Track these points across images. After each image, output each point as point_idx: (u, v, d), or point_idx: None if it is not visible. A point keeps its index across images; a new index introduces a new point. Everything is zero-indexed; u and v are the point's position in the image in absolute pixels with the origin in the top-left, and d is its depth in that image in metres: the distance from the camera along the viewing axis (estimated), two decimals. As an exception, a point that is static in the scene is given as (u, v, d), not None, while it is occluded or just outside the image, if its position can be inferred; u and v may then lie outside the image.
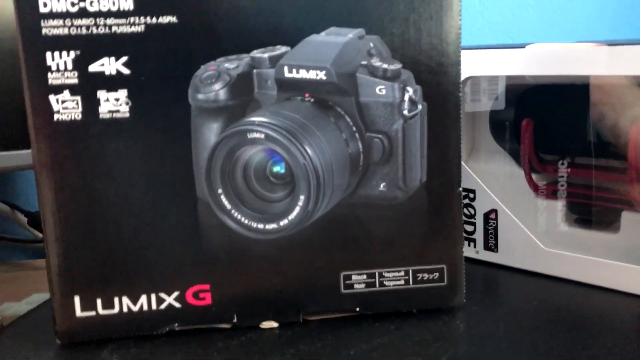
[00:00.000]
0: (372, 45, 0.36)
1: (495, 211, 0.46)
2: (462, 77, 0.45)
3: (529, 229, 0.45)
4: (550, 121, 0.47)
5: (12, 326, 0.41)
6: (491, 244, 0.47)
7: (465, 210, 0.48)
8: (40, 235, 0.68)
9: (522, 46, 0.44)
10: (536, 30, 0.77)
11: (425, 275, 0.38)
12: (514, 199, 0.47)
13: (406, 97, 0.36)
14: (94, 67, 0.34)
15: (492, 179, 0.48)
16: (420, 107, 0.37)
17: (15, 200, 0.70)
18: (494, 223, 0.47)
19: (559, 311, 0.39)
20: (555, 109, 0.47)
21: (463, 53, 0.37)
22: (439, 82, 0.36)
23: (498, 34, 0.76)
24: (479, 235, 0.47)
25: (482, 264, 0.47)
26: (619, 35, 0.75)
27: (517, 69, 0.44)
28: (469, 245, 0.48)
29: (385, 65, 0.36)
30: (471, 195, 0.47)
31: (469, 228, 0.48)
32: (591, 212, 0.46)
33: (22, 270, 0.66)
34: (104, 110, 0.34)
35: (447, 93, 0.37)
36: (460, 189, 0.38)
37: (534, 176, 0.47)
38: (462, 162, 0.47)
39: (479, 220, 0.47)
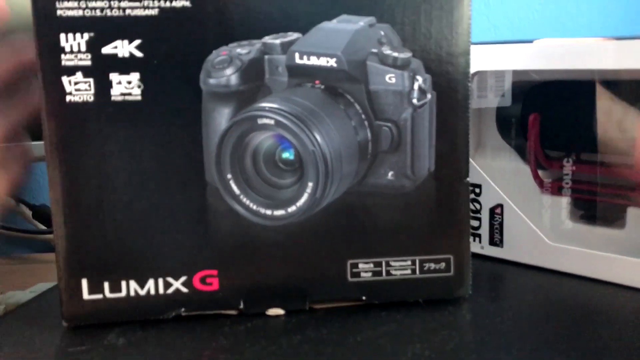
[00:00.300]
0: (382, 33, 0.36)
1: (501, 206, 0.47)
2: (471, 71, 0.46)
3: (534, 224, 0.45)
4: (556, 117, 0.47)
5: (17, 311, 0.41)
6: (496, 239, 0.47)
7: (470, 206, 0.48)
8: (44, 228, 0.68)
9: (530, 41, 0.44)
10: (542, 34, 0.77)
11: (432, 265, 0.38)
12: (520, 194, 0.47)
13: (416, 86, 0.37)
14: (107, 50, 0.34)
15: (498, 174, 0.48)
16: (429, 96, 0.37)
17: (19, 193, 0.70)
18: (499, 218, 0.47)
19: (564, 304, 0.39)
20: (562, 105, 0.47)
21: (471, 48, 0.38)
22: (448, 72, 0.37)
23: (503, 35, 0.77)
24: (484, 231, 0.48)
25: (487, 259, 0.47)
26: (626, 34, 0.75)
27: (524, 64, 0.44)
28: (474, 240, 0.48)
29: (395, 54, 0.36)
30: (477, 190, 0.48)
31: (475, 223, 0.48)
32: (596, 208, 0.46)
33: (26, 264, 0.66)
34: (116, 92, 0.35)
35: (457, 82, 0.37)
36: (468, 179, 0.38)
37: (540, 172, 0.47)
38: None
39: (485, 216, 0.47)
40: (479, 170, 0.47)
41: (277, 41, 0.36)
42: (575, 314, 0.38)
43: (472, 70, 0.45)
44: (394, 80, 0.36)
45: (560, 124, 0.47)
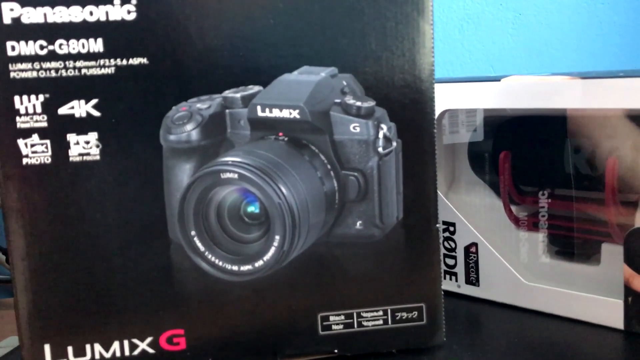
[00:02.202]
0: (345, 83, 0.36)
1: (475, 245, 0.46)
2: (440, 110, 0.45)
3: (510, 262, 0.45)
4: (528, 153, 0.47)
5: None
6: (472, 277, 0.46)
7: (445, 244, 0.47)
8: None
9: (498, 79, 0.44)
10: (516, 58, 0.78)
11: (404, 315, 0.37)
12: (495, 231, 0.47)
13: (381, 135, 0.36)
14: (63, 110, 0.34)
15: (472, 211, 0.48)
16: (395, 144, 0.36)
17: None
18: (474, 257, 0.46)
19: (541, 348, 0.39)
20: (533, 140, 0.47)
21: (440, 86, 0.37)
22: (413, 119, 0.36)
23: (478, 62, 0.77)
24: (460, 269, 0.47)
25: (463, 298, 0.47)
26: (595, 63, 0.76)
27: (493, 102, 0.44)
28: (450, 279, 0.48)
29: (359, 103, 0.36)
30: (451, 229, 0.47)
31: (450, 262, 0.47)
32: (572, 244, 0.45)
33: (1, 309, 0.65)
34: (74, 153, 0.34)
35: (422, 129, 0.36)
36: (438, 225, 0.37)
37: (514, 208, 0.47)
38: (442, 195, 0.47)
39: (460, 254, 0.47)
40: (452, 208, 0.47)
41: (238, 95, 0.35)
42: (551, 358, 0.37)
43: (443, 108, 0.46)
44: (358, 129, 0.36)
45: (532, 159, 0.47)
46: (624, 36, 0.76)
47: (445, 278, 0.48)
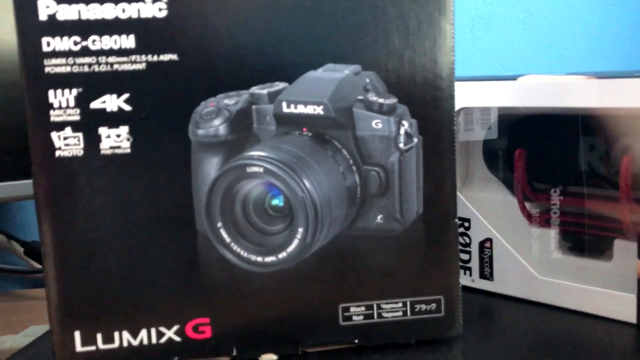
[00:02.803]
0: (368, 80, 0.37)
1: (490, 240, 0.47)
2: (456, 108, 0.46)
3: (523, 257, 0.46)
4: (542, 150, 0.48)
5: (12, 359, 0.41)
6: (487, 272, 0.47)
7: (460, 239, 0.48)
8: (36, 265, 0.68)
9: (514, 78, 0.45)
10: (526, 58, 0.78)
11: (423, 307, 0.38)
12: (508, 227, 0.48)
13: (402, 131, 0.37)
14: (95, 104, 0.35)
15: (487, 207, 0.48)
16: (415, 140, 0.37)
17: (11, 230, 0.70)
18: (489, 252, 0.47)
19: (555, 340, 0.40)
20: (547, 138, 0.48)
21: (456, 84, 0.38)
22: (433, 116, 0.37)
23: (489, 61, 0.78)
24: (474, 264, 0.48)
25: (478, 292, 0.48)
26: (606, 62, 0.77)
27: (508, 101, 0.45)
28: (464, 273, 0.48)
29: (381, 100, 0.37)
30: (466, 224, 0.48)
31: (465, 257, 0.48)
32: (584, 240, 0.46)
33: (18, 301, 0.66)
34: (105, 146, 0.35)
35: (442, 126, 0.37)
36: (456, 220, 0.38)
37: (527, 205, 0.48)
38: (457, 191, 0.48)
39: (475, 249, 0.48)
40: (467, 204, 0.48)
41: (264, 91, 0.36)
42: (565, 350, 0.38)
43: (459, 106, 0.46)
44: (380, 125, 0.37)
45: (546, 157, 0.48)
46: (634, 37, 0.77)
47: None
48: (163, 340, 0.37)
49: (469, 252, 0.48)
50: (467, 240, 0.48)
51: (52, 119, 0.34)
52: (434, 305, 0.38)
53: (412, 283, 0.38)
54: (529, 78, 0.44)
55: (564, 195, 0.47)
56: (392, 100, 0.37)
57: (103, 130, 0.35)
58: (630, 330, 0.40)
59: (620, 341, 0.40)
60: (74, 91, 0.34)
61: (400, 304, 0.38)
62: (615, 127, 0.44)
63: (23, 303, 0.65)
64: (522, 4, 0.78)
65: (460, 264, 0.49)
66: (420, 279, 0.38)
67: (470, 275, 0.48)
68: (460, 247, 0.48)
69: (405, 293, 0.38)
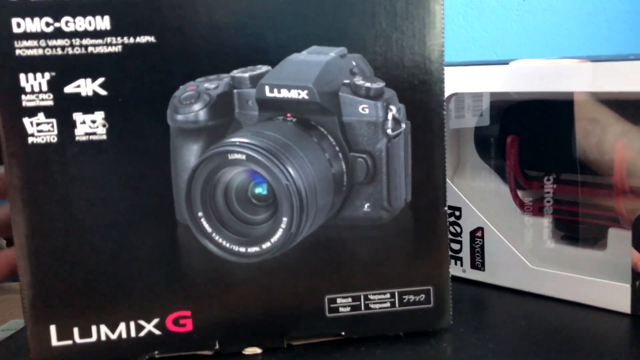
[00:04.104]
0: (354, 63, 0.35)
1: (481, 229, 0.46)
2: (446, 94, 0.45)
3: (515, 246, 0.45)
4: (535, 137, 0.46)
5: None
6: (478, 262, 0.46)
7: (451, 229, 0.47)
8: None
9: (506, 62, 0.43)
10: (519, 44, 0.77)
11: (412, 297, 0.37)
12: (500, 216, 0.46)
13: (390, 116, 0.36)
14: (69, 89, 0.33)
15: (478, 196, 0.47)
16: (404, 125, 0.36)
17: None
18: (480, 241, 0.46)
19: (547, 332, 0.39)
20: (540, 125, 0.46)
21: (446, 70, 0.37)
22: (422, 100, 0.36)
23: (482, 48, 0.77)
24: (465, 254, 0.47)
25: (469, 283, 0.47)
26: (598, 48, 0.76)
27: (500, 86, 0.43)
28: (455, 264, 0.47)
29: (368, 84, 0.35)
30: (457, 213, 0.47)
31: (456, 246, 0.47)
32: (578, 229, 0.45)
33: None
34: (80, 132, 0.34)
35: (431, 111, 0.36)
36: (446, 208, 0.37)
37: (520, 193, 0.47)
38: (448, 180, 0.46)
39: (465, 239, 0.47)
40: (458, 193, 0.47)
41: (246, 75, 0.35)
42: (557, 341, 0.37)
43: (449, 92, 0.45)
44: (367, 110, 0.36)
45: (539, 144, 0.47)
46: (628, 22, 0.75)
47: (450, 263, 0.47)
48: (142, 334, 0.35)
49: (459, 242, 0.47)
50: (458, 229, 0.47)
51: (24, 104, 0.33)
52: (423, 296, 0.37)
53: (400, 273, 0.37)
54: (522, 62, 0.43)
55: (558, 183, 0.46)
56: (380, 84, 0.35)
57: (78, 116, 0.33)
58: (625, 320, 0.39)
59: (614, 332, 0.39)
60: (47, 75, 0.33)
61: (388, 295, 0.37)
62: (608, 112, 0.42)
63: (3, 297, 0.63)
64: (515, -10, 0.77)
65: (451, 253, 0.48)
66: (409, 269, 0.37)
67: (462, 265, 0.47)
68: (451, 236, 0.47)
69: (393, 283, 0.37)
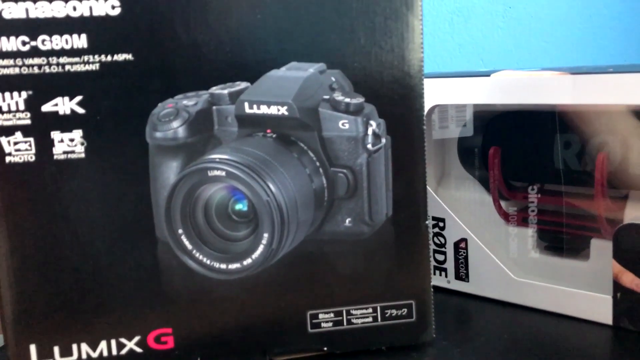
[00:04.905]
0: (333, 79, 0.35)
1: (465, 240, 0.46)
2: (429, 106, 0.45)
3: (499, 257, 0.45)
4: (518, 148, 0.47)
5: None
6: (462, 273, 0.46)
7: (435, 240, 0.47)
8: None
9: (488, 74, 0.43)
10: (506, 51, 0.77)
11: (394, 312, 0.37)
12: (484, 227, 0.47)
13: (370, 131, 0.36)
14: (47, 107, 0.33)
15: (462, 207, 0.47)
16: (384, 140, 0.36)
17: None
18: (464, 252, 0.46)
19: (530, 343, 0.39)
20: (523, 135, 0.47)
21: (429, 81, 0.37)
22: (402, 115, 0.36)
23: (468, 55, 0.77)
24: (450, 265, 0.47)
25: (453, 294, 0.47)
26: (585, 56, 0.76)
27: (482, 98, 0.44)
28: (440, 274, 0.47)
29: (347, 99, 0.35)
30: (441, 224, 0.47)
31: (440, 257, 0.47)
32: (562, 239, 0.45)
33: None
34: (59, 151, 0.33)
35: (411, 125, 0.36)
36: (427, 222, 0.37)
37: (504, 203, 0.47)
38: (432, 190, 0.47)
39: (450, 250, 0.47)
40: (442, 204, 0.47)
41: (225, 91, 0.35)
42: (539, 353, 0.37)
43: (432, 103, 0.45)
44: (347, 126, 0.36)
45: (522, 155, 0.47)
46: (614, 29, 0.76)
47: (435, 274, 0.48)
48: (124, 351, 0.35)
49: (444, 253, 0.47)
50: (442, 240, 0.47)
51: (1, 123, 0.33)
52: (405, 310, 0.37)
53: (382, 288, 0.37)
54: (503, 74, 0.43)
55: (541, 193, 0.46)
56: (359, 100, 0.35)
57: (56, 135, 0.33)
58: (606, 332, 0.39)
59: (596, 343, 0.39)
60: (24, 94, 0.33)
61: (370, 310, 0.37)
62: (589, 123, 0.43)
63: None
64: (501, -3, 0.77)
65: (435, 264, 0.48)
66: (391, 283, 0.37)
67: (446, 276, 0.47)
68: (435, 247, 0.47)
69: (375, 298, 0.37)
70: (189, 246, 0.35)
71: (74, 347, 0.35)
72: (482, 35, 0.77)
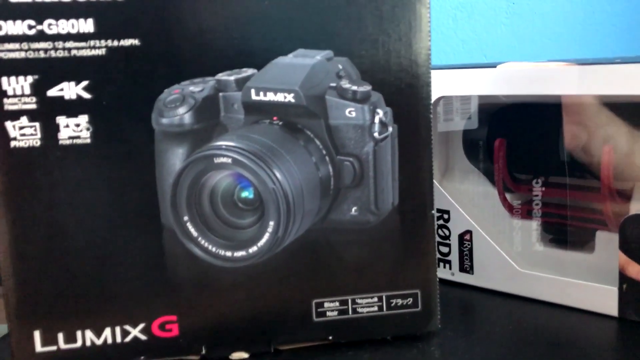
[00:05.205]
0: (341, 67, 0.35)
1: (470, 232, 0.46)
2: (434, 97, 0.45)
3: (504, 249, 0.45)
4: (523, 140, 0.46)
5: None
6: (466, 265, 0.46)
7: (439, 232, 0.47)
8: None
9: (494, 65, 0.43)
10: (509, 47, 0.77)
11: (399, 301, 0.37)
12: (489, 219, 0.46)
13: (376, 119, 0.36)
14: (52, 92, 0.33)
15: (467, 199, 0.47)
16: (390, 129, 0.36)
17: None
18: (468, 244, 0.46)
19: (535, 335, 0.38)
20: (528, 127, 0.46)
21: (435, 73, 0.37)
22: (409, 104, 0.36)
23: (471, 50, 0.77)
24: (454, 257, 0.47)
25: (458, 286, 0.46)
26: (588, 52, 0.76)
27: (488, 89, 0.43)
28: (444, 267, 0.47)
29: (354, 87, 0.35)
30: (445, 216, 0.47)
31: (444, 249, 0.47)
32: (566, 232, 0.45)
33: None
34: (64, 136, 0.33)
35: (418, 115, 0.36)
36: (433, 211, 0.37)
37: (508, 196, 0.47)
38: (436, 183, 0.46)
39: (454, 242, 0.47)
40: (447, 196, 0.47)
41: (232, 78, 0.35)
42: (545, 345, 0.37)
43: (437, 95, 0.45)
44: (354, 114, 0.36)
45: (527, 147, 0.47)
46: (617, 25, 0.76)
47: (439, 266, 0.47)
48: (128, 339, 0.35)
49: (448, 245, 0.47)
50: (447, 232, 0.47)
51: (7, 107, 0.32)
52: (410, 300, 0.37)
53: (387, 277, 0.37)
54: (509, 65, 0.43)
55: (546, 186, 0.46)
56: (366, 88, 0.35)
57: (61, 120, 0.33)
58: (612, 323, 0.39)
59: (601, 335, 0.39)
60: (30, 78, 0.32)
61: (375, 299, 0.37)
62: (595, 116, 0.42)
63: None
64: (504, -7, 0.77)
65: (440, 256, 0.47)
66: (396, 272, 0.37)
67: (450, 268, 0.47)
68: (439, 239, 0.47)
69: (380, 287, 0.37)
70: (195, 233, 0.35)
71: (79, 333, 0.35)
72: (485, 31, 0.77)
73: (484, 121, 0.48)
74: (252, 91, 0.35)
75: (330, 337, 0.37)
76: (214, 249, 0.35)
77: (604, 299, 0.40)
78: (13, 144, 0.33)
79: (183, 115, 0.34)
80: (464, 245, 0.46)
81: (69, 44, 0.32)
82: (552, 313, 0.41)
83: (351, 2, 0.34)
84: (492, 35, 0.77)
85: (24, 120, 0.33)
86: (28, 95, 0.33)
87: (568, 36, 0.77)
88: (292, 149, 0.35)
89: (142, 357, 0.35)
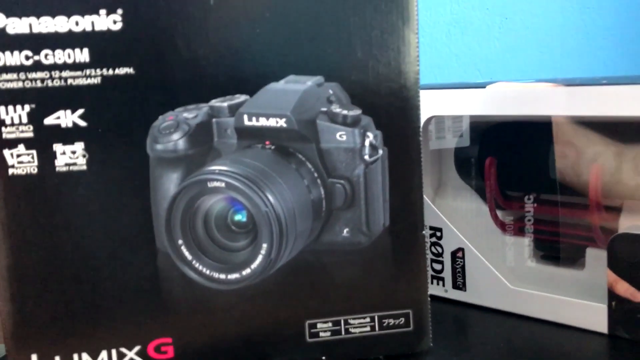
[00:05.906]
0: (331, 92, 0.36)
1: (462, 250, 0.46)
2: (426, 116, 0.46)
3: (496, 266, 0.45)
4: (514, 158, 0.47)
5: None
6: (459, 282, 0.47)
7: (432, 249, 0.48)
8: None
9: (483, 86, 0.44)
10: (502, 62, 0.78)
11: (391, 321, 0.38)
12: (481, 236, 0.47)
13: (367, 143, 0.36)
14: (49, 120, 0.34)
15: (459, 216, 0.48)
16: (381, 151, 0.37)
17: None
18: (461, 262, 0.46)
19: (526, 352, 0.39)
20: (519, 145, 0.47)
21: (425, 93, 0.38)
22: (399, 127, 0.37)
23: (465, 66, 0.77)
24: (447, 274, 0.47)
25: (451, 303, 0.47)
26: (580, 67, 0.77)
27: (478, 109, 0.44)
28: (437, 284, 0.48)
29: (345, 112, 0.36)
30: (438, 234, 0.47)
31: (437, 267, 0.48)
32: (558, 248, 0.46)
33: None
34: (61, 163, 0.34)
35: (407, 137, 0.37)
36: (424, 232, 0.38)
37: (500, 213, 0.47)
38: (429, 200, 0.47)
39: (447, 259, 0.47)
40: (439, 213, 0.47)
41: (225, 104, 0.35)
42: (536, 363, 0.38)
43: (428, 115, 0.46)
44: (344, 137, 0.36)
45: (518, 164, 0.47)
46: (609, 39, 0.77)
47: (432, 283, 0.48)
48: (124, 361, 0.36)
49: (441, 262, 0.48)
50: (440, 250, 0.48)
51: (4, 135, 0.33)
52: (402, 320, 0.38)
53: (379, 297, 0.37)
54: (498, 86, 0.44)
55: (538, 203, 0.47)
56: (356, 112, 0.36)
57: (58, 147, 0.34)
58: (602, 340, 0.40)
59: (592, 352, 0.39)
60: (27, 107, 0.33)
61: (368, 319, 0.37)
62: (584, 135, 0.43)
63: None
64: (498, 8, 0.78)
65: (433, 274, 0.48)
66: (388, 292, 0.37)
67: (443, 285, 0.48)
68: (432, 257, 0.48)
69: (373, 308, 0.37)
70: (189, 256, 0.35)
71: (75, 356, 0.35)
72: (478, 46, 0.78)
73: (476, 139, 0.49)
74: (245, 117, 0.36)
75: (324, 358, 0.37)
76: (208, 272, 0.35)
77: (594, 316, 0.41)
78: (11, 171, 0.34)
79: (177, 141, 0.35)
80: (457, 263, 0.47)
81: (65, 74, 0.33)
82: (544, 330, 0.42)
83: (341, 28, 0.35)
84: (486, 50, 0.78)
85: (21, 148, 0.33)
86: (25, 124, 0.33)
87: (561, 50, 0.77)
88: (284, 173, 0.36)
89: (138, 379, 0.36)
